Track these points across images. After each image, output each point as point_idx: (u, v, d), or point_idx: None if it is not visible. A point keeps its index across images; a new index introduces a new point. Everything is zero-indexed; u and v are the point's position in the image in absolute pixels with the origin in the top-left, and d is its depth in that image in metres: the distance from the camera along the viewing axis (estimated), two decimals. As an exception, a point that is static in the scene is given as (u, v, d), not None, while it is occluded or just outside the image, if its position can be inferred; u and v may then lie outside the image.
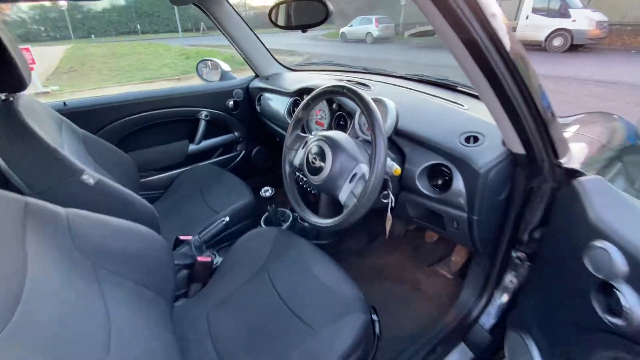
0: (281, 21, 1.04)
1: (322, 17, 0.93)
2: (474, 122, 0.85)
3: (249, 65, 1.67)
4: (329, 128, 1.16)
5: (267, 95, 1.59)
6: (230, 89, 1.66)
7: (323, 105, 1.21)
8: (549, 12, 8.89)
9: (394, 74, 1.40)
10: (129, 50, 13.44)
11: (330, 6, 0.91)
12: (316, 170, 0.82)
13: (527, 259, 0.86)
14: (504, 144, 0.76)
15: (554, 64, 7.24)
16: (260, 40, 1.60)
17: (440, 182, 0.87)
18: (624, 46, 8.96)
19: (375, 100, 0.93)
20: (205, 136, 1.67)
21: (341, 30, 13.97)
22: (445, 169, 0.83)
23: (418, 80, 1.28)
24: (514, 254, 0.88)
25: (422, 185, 0.87)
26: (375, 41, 12.29)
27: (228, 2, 1.39)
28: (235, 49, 1.57)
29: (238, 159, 1.82)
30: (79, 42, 17.49)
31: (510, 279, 0.93)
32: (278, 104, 1.50)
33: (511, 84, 0.57)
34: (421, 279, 1.30)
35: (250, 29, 1.54)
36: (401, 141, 0.92)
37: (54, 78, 7.87)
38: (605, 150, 0.95)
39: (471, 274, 1.04)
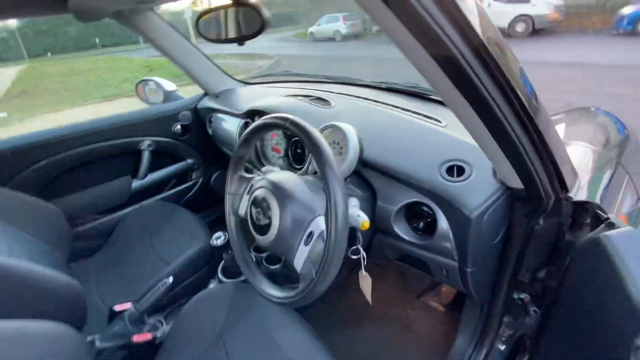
0: (211, 34, 0.84)
1: (258, 28, 0.74)
2: (455, 146, 0.68)
3: (196, 82, 1.46)
4: (285, 156, 0.98)
5: (218, 115, 1.39)
6: (175, 111, 1.45)
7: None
8: (509, -1, 9.06)
9: (359, 83, 1.23)
10: (88, 66, 12.74)
11: (266, 14, 0.73)
12: (262, 228, 0.64)
13: (533, 303, 0.72)
14: (495, 174, 0.60)
15: (520, 49, 7.33)
16: (204, 55, 1.39)
17: (422, 224, 0.70)
18: (581, 27, 9.25)
19: (332, 127, 0.75)
20: (152, 168, 1.45)
21: (309, 29, 13.79)
22: (426, 208, 0.67)
23: (386, 89, 1.11)
24: (515, 296, 0.74)
25: (401, 229, 0.71)
26: (345, 38, 12.20)
27: (158, 15, 1.18)
28: (176, 65, 1.36)
29: (195, 188, 1.60)
30: (34, 61, 16.45)
31: (512, 323, 0.78)
32: (231, 125, 1.31)
33: (502, 105, 0.41)
34: (411, 316, 1.14)
35: (191, 43, 1.33)
36: (369, 173, 0.75)
37: (2, 104, 7.25)
38: (604, 159, 0.82)
39: (466, 315, 0.88)
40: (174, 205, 1.37)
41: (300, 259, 0.60)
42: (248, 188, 0.73)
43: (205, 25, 0.84)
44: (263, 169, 0.80)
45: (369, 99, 1.02)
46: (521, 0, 8.89)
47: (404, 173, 0.68)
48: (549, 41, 8.31)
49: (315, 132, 0.56)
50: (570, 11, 9.34)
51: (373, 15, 0.35)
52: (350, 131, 0.71)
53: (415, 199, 0.67)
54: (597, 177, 0.71)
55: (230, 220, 0.75)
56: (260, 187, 0.66)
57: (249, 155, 0.75)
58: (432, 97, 0.97)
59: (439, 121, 0.79)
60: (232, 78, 1.51)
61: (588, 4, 9.90)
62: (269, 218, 0.61)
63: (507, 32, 8.97)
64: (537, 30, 8.82)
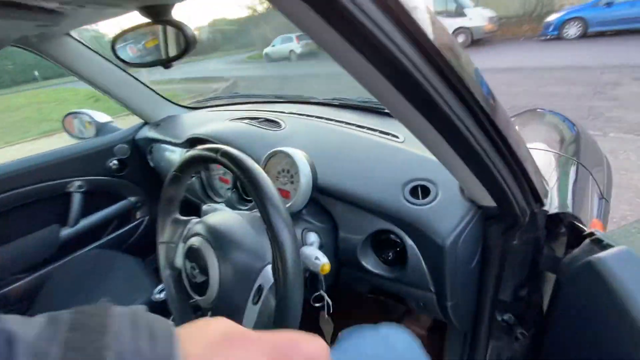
0: (130, 57, 0.73)
1: (182, 48, 0.65)
2: (417, 164, 0.62)
3: (132, 112, 1.31)
4: (235, 187, 0.87)
5: (161, 146, 1.24)
6: (109, 145, 1.28)
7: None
8: (447, 14, 9.84)
9: (311, 101, 1.16)
10: (28, 100, 11.79)
11: (190, 32, 0.63)
12: (199, 287, 0.52)
13: (518, 324, 0.65)
14: (463, 192, 0.54)
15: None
16: (139, 80, 1.26)
17: (391, 254, 0.62)
18: (514, 36, 10.17)
19: (279, 153, 0.66)
20: (86, 212, 1.26)
21: (264, 51, 13.88)
22: (394, 237, 0.59)
23: (339, 106, 1.05)
24: (499, 318, 0.68)
25: (368, 262, 0.62)
26: (300, 57, 12.40)
27: (76, 39, 1.04)
28: (106, 95, 1.21)
29: (141, 228, 1.42)
30: (-36, 100, 14.89)
31: (499, 348, 0.72)
32: (175, 155, 1.17)
33: (464, 117, 0.35)
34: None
35: (121, 68, 1.19)
36: (328, 201, 0.66)
37: None
38: (564, 159, 0.81)
39: (450, 342, 0.80)
40: (114, 252, 1.19)
41: (249, 322, 0.48)
42: (184, 234, 0.61)
43: (124, 47, 0.73)
44: (204, 207, 0.68)
45: (322, 117, 0.94)
46: (459, 15, 9.68)
47: (365, 198, 0.60)
48: (487, 50, 9.03)
49: (250, 162, 0.46)
50: (502, 22, 10.26)
51: (304, 28, 0.27)
52: (300, 156, 0.62)
53: (380, 227, 0.58)
54: (563, 180, 0.68)
55: (165, 274, 0.62)
56: (195, 234, 0.54)
57: (181, 194, 0.63)
58: (386, 111, 0.92)
59: (396, 136, 0.73)
60: (175, 104, 1.39)
61: (517, 14, 10.92)
62: (206, 274, 0.50)
63: (450, 44, 9.67)
64: (475, 40, 9.56)
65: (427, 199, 0.55)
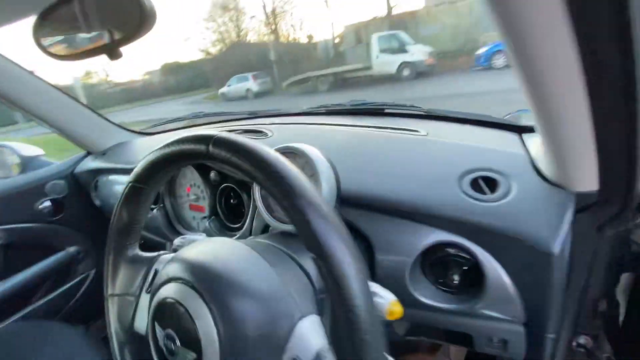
0: (63, 47, 0.54)
1: (137, 23, 0.48)
2: (468, 152, 0.49)
3: (71, 140, 1.07)
4: (213, 214, 0.67)
5: (109, 178, 1.01)
6: (39, 182, 1.01)
7: (193, 176, 0.71)
8: (392, 51, 10.81)
9: (292, 112, 1.02)
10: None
11: (149, 3, 0.47)
12: None
13: (598, 347, 0.52)
14: (543, 177, 0.41)
15: (412, 90, 8.58)
16: (79, 102, 1.04)
17: (455, 276, 0.45)
18: (452, 68, 11.29)
19: (287, 151, 0.49)
20: (6, 272, 0.96)
21: (220, 91, 13.88)
22: (453, 250, 0.43)
23: (327, 113, 0.92)
24: (574, 342, 0.54)
25: (421, 291, 0.45)
26: (257, 95, 12.56)
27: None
28: (34, 119, 0.97)
29: (84, 287, 1.12)
30: None
31: None
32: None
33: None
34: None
35: (56, 87, 0.97)
36: (353, 214, 0.49)
37: None
38: None
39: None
40: (47, 322, 0.90)
41: None
42: (149, 280, 0.40)
43: (50, 34, 0.54)
44: (175, 241, 0.48)
45: (314, 124, 0.80)
46: (401, 51, 10.66)
47: (407, 202, 0.44)
48: (432, 80, 9.91)
49: (267, 151, 0.30)
50: (440, 56, 11.39)
51: None
52: (317, 154, 0.46)
53: (436, 240, 0.43)
54: None
55: (114, 344, 0.40)
56: (169, 279, 0.34)
57: (143, 219, 0.43)
58: (387, 111, 0.80)
59: (417, 131, 0.60)
60: (126, 129, 1.17)
61: (451, 49, 12.23)
62: (196, 348, 0.30)
63: (396, 77, 10.51)
64: (420, 73, 10.47)
65: (499, 193, 0.41)
